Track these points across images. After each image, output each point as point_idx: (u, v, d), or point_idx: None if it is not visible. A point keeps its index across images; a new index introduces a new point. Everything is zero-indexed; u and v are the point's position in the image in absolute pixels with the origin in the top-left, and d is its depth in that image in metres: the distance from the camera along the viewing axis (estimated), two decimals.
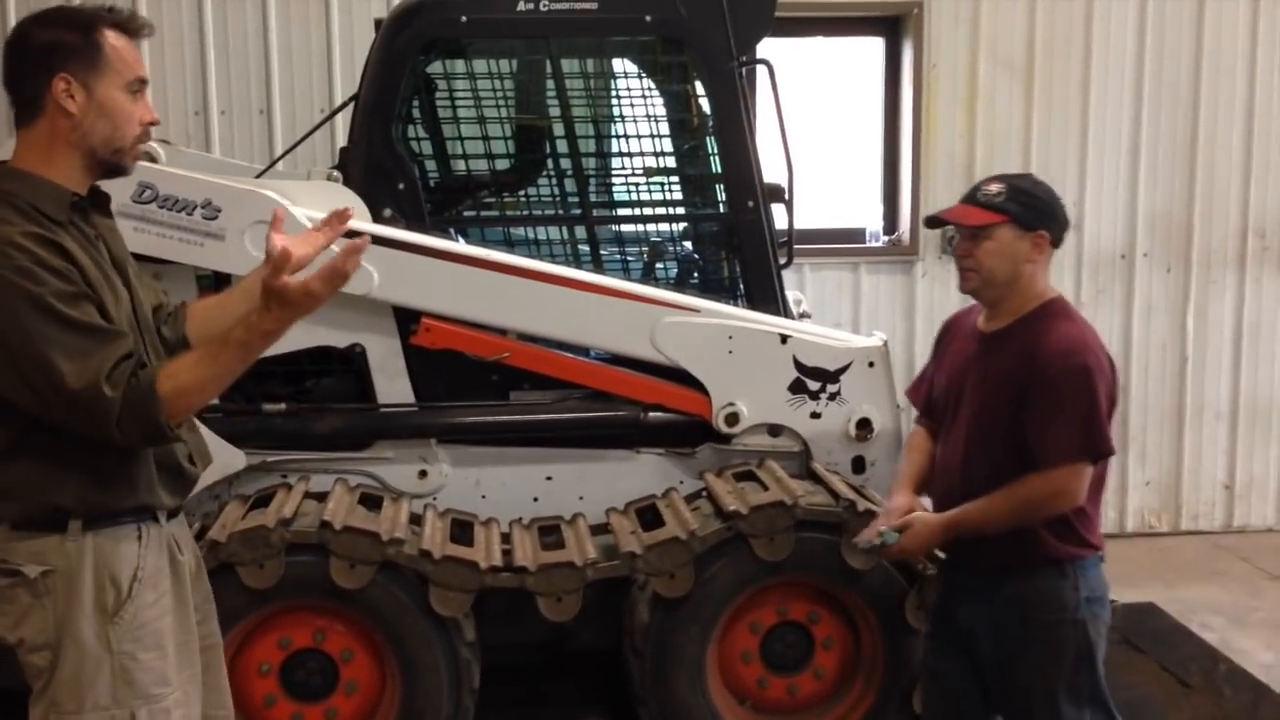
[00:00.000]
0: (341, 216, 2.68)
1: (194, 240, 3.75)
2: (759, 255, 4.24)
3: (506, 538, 3.91)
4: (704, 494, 3.97)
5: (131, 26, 2.40)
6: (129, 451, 2.36)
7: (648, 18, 4.12)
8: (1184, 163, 6.44)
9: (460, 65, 4.39)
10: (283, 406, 3.93)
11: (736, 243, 4.29)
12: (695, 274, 4.54)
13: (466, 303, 3.94)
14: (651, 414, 4.06)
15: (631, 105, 4.37)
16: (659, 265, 4.55)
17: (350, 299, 3.74)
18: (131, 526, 2.41)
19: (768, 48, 4.30)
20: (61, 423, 2.27)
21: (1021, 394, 2.87)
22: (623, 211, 4.60)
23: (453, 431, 4.06)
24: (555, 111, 4.30)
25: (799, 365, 4.06)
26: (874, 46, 6.51)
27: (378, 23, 4.53)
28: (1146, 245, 6.49)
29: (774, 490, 3.76)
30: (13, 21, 5.66)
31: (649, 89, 4.41)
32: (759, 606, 3.85)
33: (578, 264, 4.25)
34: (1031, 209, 2.93)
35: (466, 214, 4.53)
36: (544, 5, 4.06)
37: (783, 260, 4.32)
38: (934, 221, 3.16)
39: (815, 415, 4.08)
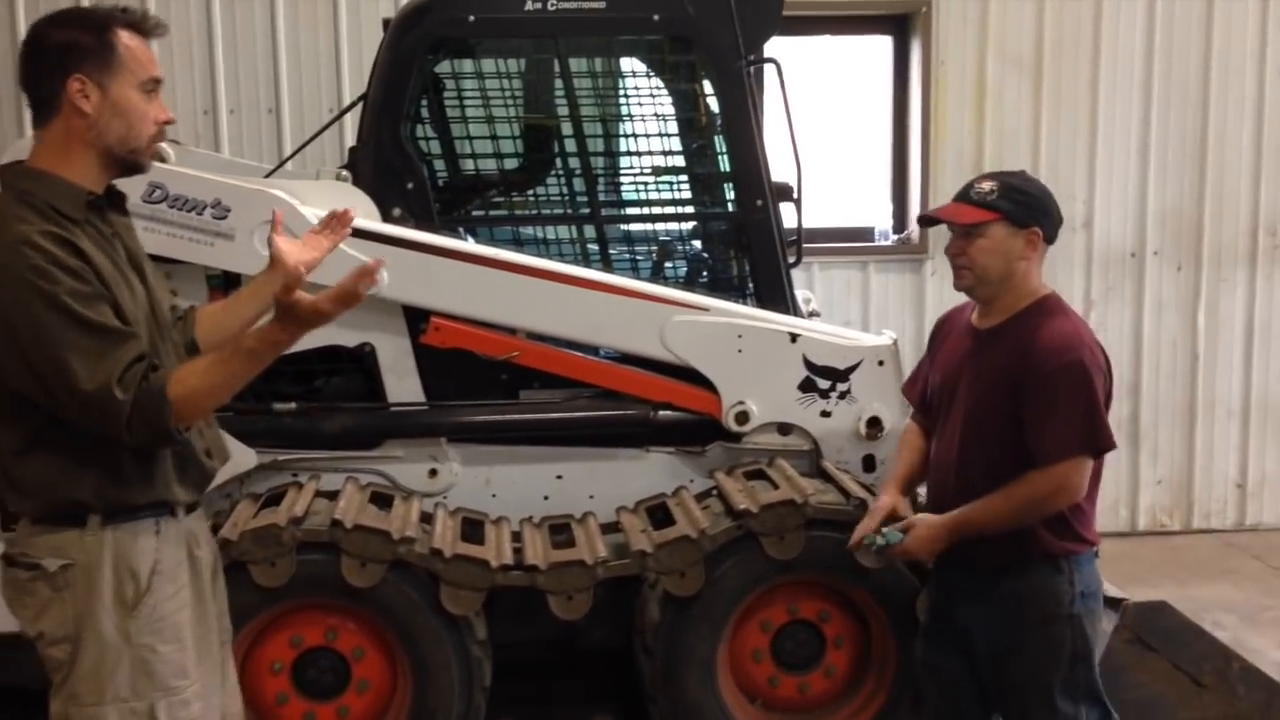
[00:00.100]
0: (343, 219, 2.72)
1: (204, 240, 3.76)
2: (768, 254, 4.24)
3: (517, 536, 3.91)
4: (714, 492, 3.97)
5: (145, 27, 2.44)
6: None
7: (655, 17, 4.12)
8: (1194, 160, 6.43)
9: (468, 64, 4.39)
10: (293, 406, 3.94)
11: (745, 241, 4.29)
12: (704, 273, 4.54)
13: (476, 302, 3.94)
14: (661, 413, 4.06)
15: (639, 104, 4.38)
16: (668, 264, 4.55)
17: None
18: (149, 521, 2.44)
19: (776, 46, 4.29)
20: (74, 421, 2.30)
21: (1017, 391, 2.88)
22: (631, 211, 4.61)
23: (463, 430, 4.06)
24: (563, 111, 4.30)
25: (809, 364, 4.06)
26: (882, 45, 6.51)
27: (386, 22, 4.54)
28: (1157, 243, 6.48)
29: (784, 489, 3.75)
30: (20, 22, 5.70)
31: (657, 88, 4.41)
32: (770, 605, 3.84)
33: (587, 263, 4.25)
34: (1024, 206, 2.94)
35: (475, 213, 4.54)
36: (552, 4, 4.07)
37: (792, 259, 4.32)
38: (927, 220, 3.18)
39: (825, 414, 4.08)
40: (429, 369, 4.03)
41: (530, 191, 4.62)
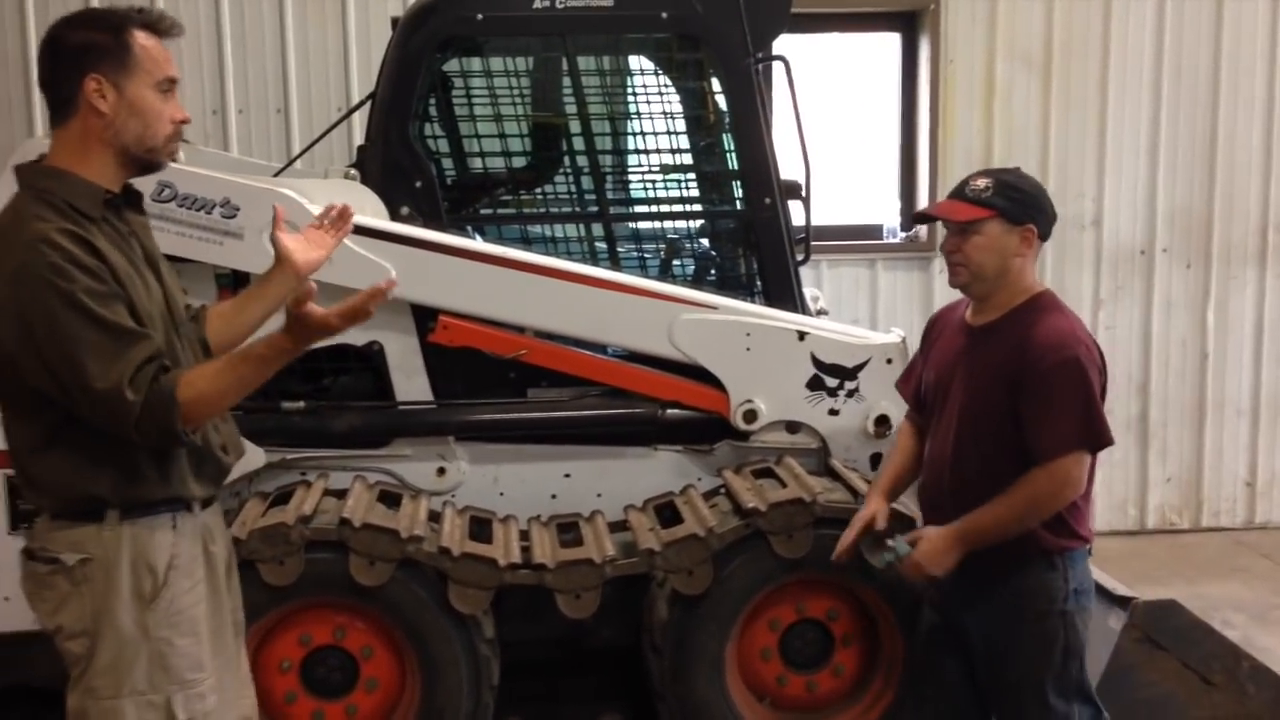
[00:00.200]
0: (344, 214, 2.77)
1: (213, 239, 3.77)
2: (776, 252, 4.23)
3: (525, 535, 3.91)
4: (722, 491, 3.97)
5: (161, 27, 2.47)
6: None
7: (664, 14, 4.11)
8: (1203, 159, 6.42)
9: (476, 63, 4.40)
10: (301, 404, 3.94)
11: (753, 239, 4.28)
12: (712, 271, 4.54)
13: (484, 300, 3.94)
14: (669, 411, 4.05)
15: (648, 102, 4.37)
16: (676, 262, 4.54)
17: None
18: (166, 516, 2.47)
19: (784, 44, 4.29)
20: (87, 418, 2.33)
21: (1013, 388, 2.88)
22: (639, 209, 4.61)
23: (471, 429, 4.06)
24: (571, 109, 4.30)
25: (817, 362, 4.05)
26: (891, 42, 6.51)
27: (394, 21, 4.54)
28: (1166, 241, 6.46)
29: (792, 487, 3.75)
30: (30, 26, 5.72)
31: (665, 86, 4.40)
32: (778, 603, 3.84)
33: (595, 261, 4.25)
34: (1019, 203, 2.94)
35: (483, 212, 4.54)
36: (560, 2, 4.06)
37: (800, 257, 4.32)
38: (922, 217, 3.19)
39: (833, 412, 4.07)
40: (437, 367, 4.03)
41: (538, 190, 4.63)
